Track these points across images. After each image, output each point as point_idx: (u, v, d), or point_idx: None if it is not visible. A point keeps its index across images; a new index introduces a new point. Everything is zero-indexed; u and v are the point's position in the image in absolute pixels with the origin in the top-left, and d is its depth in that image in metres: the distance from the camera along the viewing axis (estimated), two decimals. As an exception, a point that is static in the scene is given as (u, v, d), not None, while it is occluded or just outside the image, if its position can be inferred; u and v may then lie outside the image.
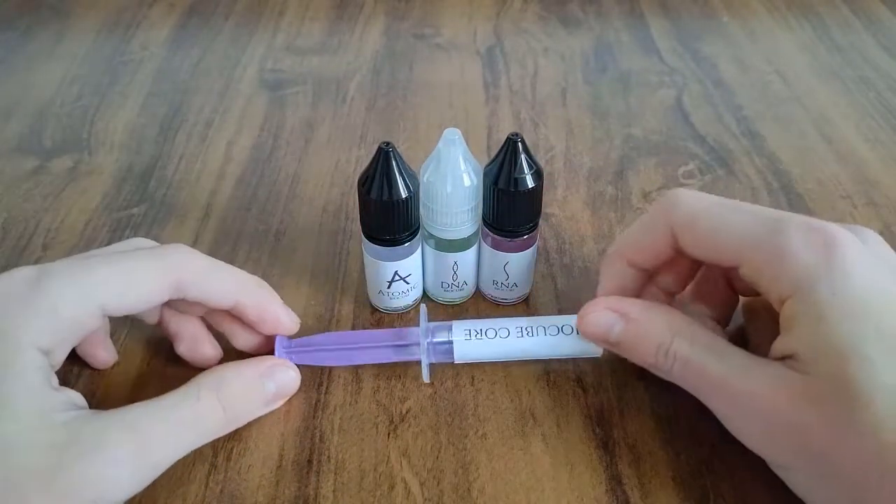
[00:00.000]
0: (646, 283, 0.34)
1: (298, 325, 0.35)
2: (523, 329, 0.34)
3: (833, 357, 0.26)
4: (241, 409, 0.32)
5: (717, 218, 0.30)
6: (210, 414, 0.30)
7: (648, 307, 0.32)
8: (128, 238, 0.42)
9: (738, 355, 0.29)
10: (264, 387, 0.32)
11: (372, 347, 0.34)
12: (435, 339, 0.34)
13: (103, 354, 0.35)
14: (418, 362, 0.34)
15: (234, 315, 0.34)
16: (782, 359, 0.28)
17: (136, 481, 0.28)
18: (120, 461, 0.27)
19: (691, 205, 0.31)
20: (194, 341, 0.34)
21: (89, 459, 0.26)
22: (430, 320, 0.35)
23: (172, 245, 0.32)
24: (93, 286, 0.29)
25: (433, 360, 0.34)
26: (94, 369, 0.35)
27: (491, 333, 0.34)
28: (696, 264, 0.34)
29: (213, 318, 0.35)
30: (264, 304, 0.33)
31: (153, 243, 0.34)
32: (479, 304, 0.39)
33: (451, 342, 0.34)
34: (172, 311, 0.34)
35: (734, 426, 0.29)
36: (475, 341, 0.34)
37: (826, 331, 0.27)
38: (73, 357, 0.35)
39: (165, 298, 0.31)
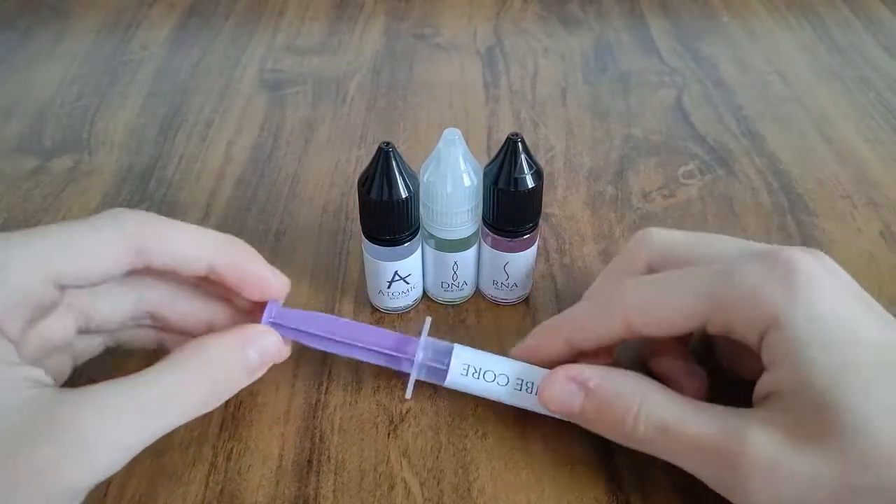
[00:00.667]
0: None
1: (288, 286, 0.32)
2: (523, 383, 0.32)
3: (818, 387, 0.25)
4: (222, 381, 0.29)
5: (662, 291, 0.29)
6: (190, 388, 0.28)
7: (609, 372, 0.30)
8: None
9: (716, 410, 0.27)
10: (246, 354, 0.30)
11: (364, 349, 0.33)
12: (430, 363, 0.33)
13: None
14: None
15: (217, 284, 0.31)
16: (765, 398, 0.27)
17: (106, 464, 0.25)
18: (85, 443, 0.24)
19: (635, 292, 0.30)
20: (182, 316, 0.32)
21: (49, 441, 0.24)
22: (431, 328, 0.34)
23: (132, 209, 0.29)
24: (39, 252, 0.26)
25: (421, 378, 0.33)
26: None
27: (489, 376, 0.32)
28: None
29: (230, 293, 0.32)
30: (242, 263, 0.31)
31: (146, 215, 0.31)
32: (479, 304, 0.39)
33: (445, 370, 0.32)
34: (164, 333, 0.33)
35: (725, 492, 0.27)
36: (470, 378, 0.32)
37: (807, 361, 0.26)
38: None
39: (126, 266, 0.28)
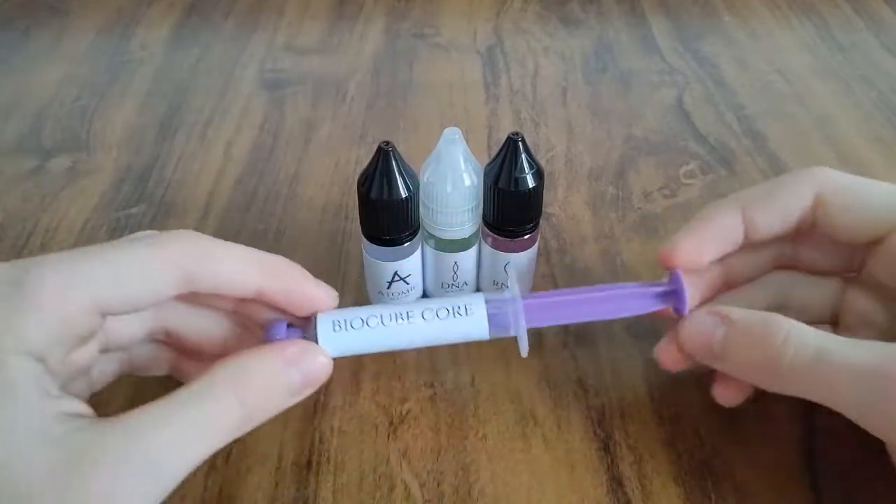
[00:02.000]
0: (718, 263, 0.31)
1: (337, 298, 0.31)
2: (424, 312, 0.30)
3: None
4: (262, 404, 0.27)
5: (868, 185, 0.29)
6: (226, 413, 0.26)
7: (744, 309, 0.29)
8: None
9: (869, 341, 0.26)
10: (289, 376, 0.27)
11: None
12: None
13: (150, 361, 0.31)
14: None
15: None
16: None
17: (147, 496, 0.24)
18: (126, 476, 0.23)
19: (838, 175, 0.30)
20: (221, 344, 0.31)
21: (92, 476, 0.23)
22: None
23: (175, 231, 0.28)
24: (82, 278, 0.25)
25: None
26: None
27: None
28: (775, 262, 0.33)
29: (246, 309, 0.31)
30: (293, 286, 0.29)
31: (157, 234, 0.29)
32: (480, 305, 0.39)
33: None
34: (181, 358, 0.31)
35: (874, 421, 0.26)
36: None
37: None
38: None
39: (173, 292, 0.27)
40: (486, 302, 0.31)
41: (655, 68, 0.58)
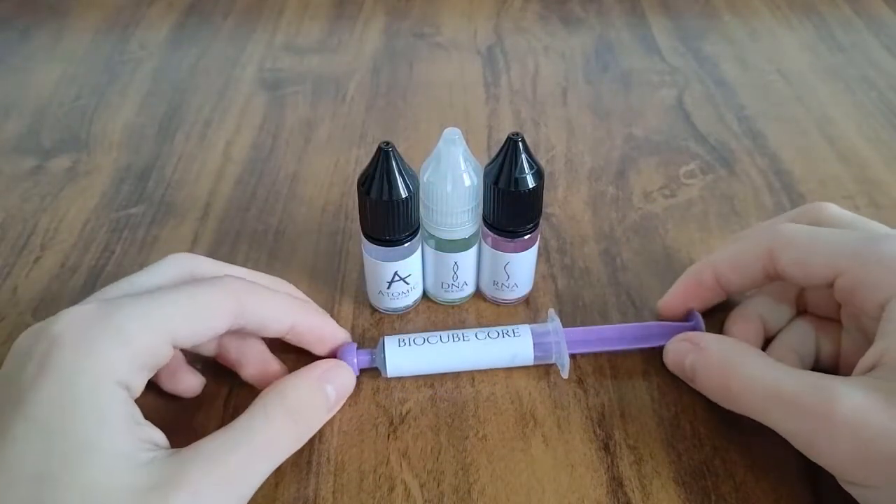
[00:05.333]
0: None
1: (349, 336, 0.35)
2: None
3: None
4: (309, 420, 0.31)
5: (814, 235, 0.31)
6: (282, 432, 0.29)
7: (718, 338, 0.33)
8: (126, 238, 0.43)
9: (811, 375, 0.28)
10: (326, 392, 0.31)
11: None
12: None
13: (190, 379, 0.34)
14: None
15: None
16: (870, 369, 0.28)
17: None
18: (206, 498, 0.26)
19: (789, 230, 0.32)
20: (262, 363, 0.33)
21: (175, 500, 0.25)
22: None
23: (228, 276, 0.31)
24: (162, 315, 0.28)
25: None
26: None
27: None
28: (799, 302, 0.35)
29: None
30: (319, 323, 0.33)
31: (193, 257, 0.33)
32: (480, 305, 0.39)
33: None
34: (230, 337, 0.33)
35: (810, 449, 0.28)
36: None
37: None
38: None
39: (228, 328, 0.30)
40: (532, 330, 0.35)
41: (655, 68, 0.58)
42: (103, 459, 0.25)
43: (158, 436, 0.28)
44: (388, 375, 0.34)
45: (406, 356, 0.34)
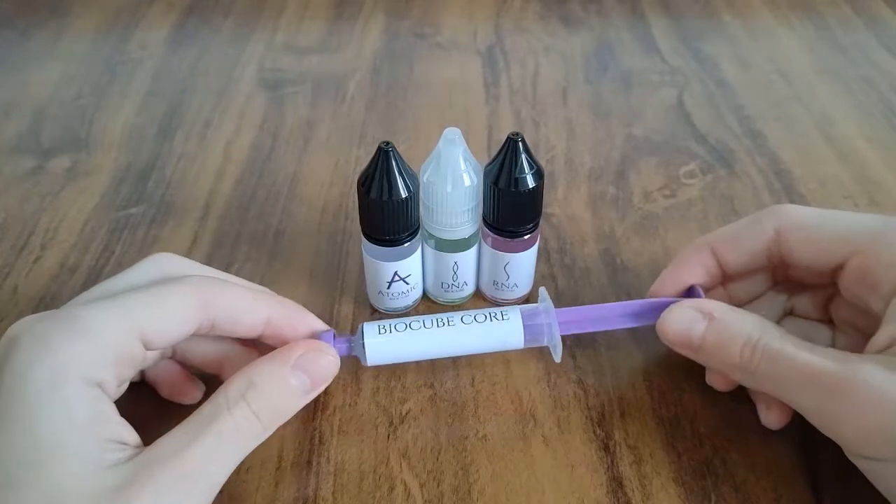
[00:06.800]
0: (715, 287, 0.34)
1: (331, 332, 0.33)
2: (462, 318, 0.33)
3: None
4: (275, 411, 0.29)
5: (824, 215, 0.31)
6: (244, 425, 0.27)
7: (731, 308, 0.31)
8: (126, 238, 0.43)
9: (830, 350, 0.28)
10: (298, 380, 0.29)
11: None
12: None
13: (190, 388, 0.33)
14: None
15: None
16: (885, 349, 0.28)
17: None
18: (169, 495, 0.25)
19: (798, 210, 0.32)
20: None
21: (137, 501, 0.24)
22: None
23: (198, 275, 0.30)
24: (124, 309, 0.27)
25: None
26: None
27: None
28: (770, 281, 0.35)
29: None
30: (297, 317, 0.32)
31: (171, 257, 0.32)
32: (480, 305, 0.39)
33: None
34: (210, 342, 0.33)
35: (826, 421, 0.28)
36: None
37: None
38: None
39: (197, 325, 0.29)
40: (522, 312, 0.33)
41: (656, 68, 0.58)
42: (66, 462, 0.24)
43: (129, 435, 0.27)
44: (368, 364, 0.32)
45: (387, 343, 0.32)
